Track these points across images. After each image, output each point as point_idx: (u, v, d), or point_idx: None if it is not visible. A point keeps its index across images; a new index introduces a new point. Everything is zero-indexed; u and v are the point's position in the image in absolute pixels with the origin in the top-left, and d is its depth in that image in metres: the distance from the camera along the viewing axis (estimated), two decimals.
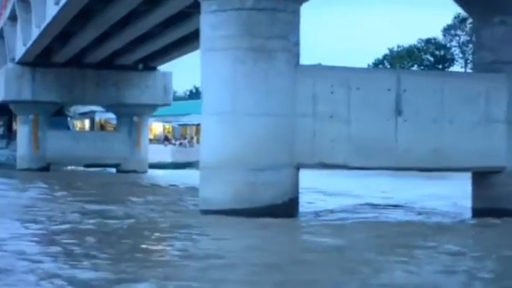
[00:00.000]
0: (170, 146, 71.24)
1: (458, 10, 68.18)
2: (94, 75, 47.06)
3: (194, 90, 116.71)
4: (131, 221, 17.59)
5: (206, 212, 18.36)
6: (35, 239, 14.35)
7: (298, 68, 18.84)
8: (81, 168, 50.89)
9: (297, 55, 18.96)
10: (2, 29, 50.05)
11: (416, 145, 19.27)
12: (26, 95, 46.49)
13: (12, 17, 46.38)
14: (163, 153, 65.17)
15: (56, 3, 32.02)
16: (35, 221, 17.09)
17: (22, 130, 47.82)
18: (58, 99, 47.96)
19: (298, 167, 18.78)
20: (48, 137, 47.93)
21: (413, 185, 32.22)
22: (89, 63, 46.61)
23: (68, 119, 74.24)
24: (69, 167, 52.38)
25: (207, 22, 18.37)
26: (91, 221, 17.36)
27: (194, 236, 15.38)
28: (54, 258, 11.81)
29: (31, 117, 47.43)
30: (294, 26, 18.83)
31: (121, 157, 48.46)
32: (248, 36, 17.71)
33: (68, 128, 74.64)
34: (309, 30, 38.74)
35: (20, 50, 44.67)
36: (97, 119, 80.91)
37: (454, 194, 25.36)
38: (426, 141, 19.33)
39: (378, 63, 74.03)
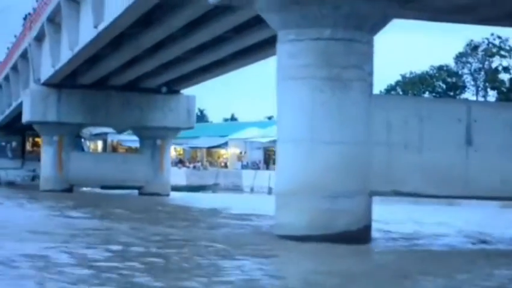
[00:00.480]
0: (184, 169, 71.37)
1: (470, 37, 68.89)
2: (118, 98, 47.23)
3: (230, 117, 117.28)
4: (220, 246, 17.58)
5: (281, 237, 18.51)
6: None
7: (372, 98, 19.10)
8: (102, 190, 50.64)
9: (371, 85, 19.24)
10: (25, 49, 50.01)
11: (486, 174, 19.50)
12: (52, 116, 46.63)
13: (39, 38, 46.45)
14: (178, 175, 65.27)
15: (95, 27, 32.11)
16: (132, 244, 17.17)
17: (47, 151, 47.96)
18: (83, 121, 48.17)
19: (371, 195, 18.97)
20: (71, 159, 47.87)
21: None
22: (113, 85, 46.74)
23: (82, 140, 74.47)
24: (89, 189, 52.05)
25: (284, 51, 18.58)
26: (178, 244, 17.51)
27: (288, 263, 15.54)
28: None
29: (56, 138, 47.55)
30: (368, 56, 19.11)
31: (143, 180, 48.57)
32: (325, 66, 17.96)
33: (83, 149, 74.90)
34: None
35: (47, 71, 44.79)
36: (109, 140, 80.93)
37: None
38: (496, 170, 19.54)
39: (390, 89, 74.39)
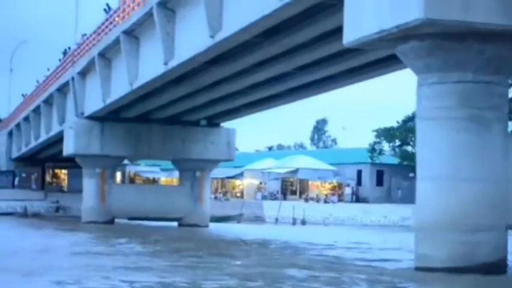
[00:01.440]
0: None
1: None
2: (160, 130, 48.15)
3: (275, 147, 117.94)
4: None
5: (421, 269, 19.42)
6: None
7: (509, 136, 20.15)
8: (142, 222, 51.27)
9: (508, 124, 20.27)
10: (64, 83, 50.83)
11: None
12: (95, 149, 47.42)
13: (83, 72, 47.35)
14: None
15: (165, 63, 33.02)
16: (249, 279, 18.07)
17: (88, 183, 48.65)
18: (125, 153, 49.05)
19: (508, 228, 19.95)
20: (113, 190, 48.64)
21: None
22: (156, 118, 47.61)
23: None
24: (126, 220, 52.61)
25: (424, 93, 19.48)
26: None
27: None
28: None
29: (98, 170, 48.24)
30: (505, 97, 20.19)
31: (183, 211, 49.38)
32: (466, 107, 18.94)
33: None
34: None
35: (93, 105, 45.60)
36: (127, 171, 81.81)
37: None
38: None
39: (408, 120, 75.71)
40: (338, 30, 25.50)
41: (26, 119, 68.67)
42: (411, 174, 74.86)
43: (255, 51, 29.91)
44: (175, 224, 50.63)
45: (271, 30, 27.06)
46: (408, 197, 72.99)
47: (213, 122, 49.15)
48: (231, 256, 25.96)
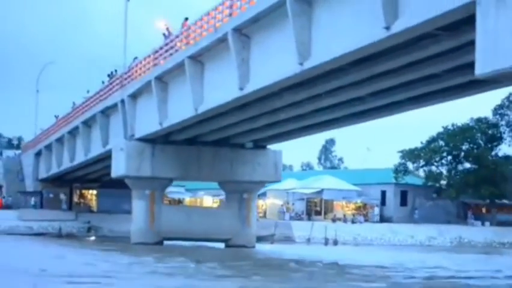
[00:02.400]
0: None
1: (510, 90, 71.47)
2: (209, 153, 49.13)
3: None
4: None
5: None
6: None
7: None
8: (190, 243, 52.03)
9: None
10: (113, 105, 51.55)
11: None
12: (146, 171, 48.27)
13: (134, 95, 48.21)
14: None
15: (241, 89, 33.89)
16: None
17: (138, 205, 49.41)
18: (174, 175, 49.87)
19: None
20: (162, 212, 49.42)
21: None
22: (205, 141, 48.48)
23: None
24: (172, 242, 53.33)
25: None
26: None
27: None
28: None
29: (147, 192, 49.01)
30: None
31: (231, 232, 50.20)
32: None
33: None
34: None
35: (146, 127, 46.38)
36: None
37: None
38: None
39: (432, 141, 76.78)
40: (428, 59, 26.74)
41: (59, 140, 69.25)
42: (434, 195, 76.13)
43: (338, 77, 30.85)
44: (221, 245, 51.37)
45: (361, 58, 28.02)
46: (431, 217, 74.31)
47: (260, 144, 49.93)
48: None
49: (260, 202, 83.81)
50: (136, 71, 47.66)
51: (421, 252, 57.54)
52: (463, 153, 75.48)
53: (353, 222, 73.25)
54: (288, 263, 38.33)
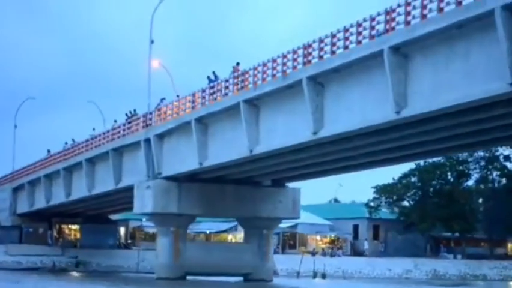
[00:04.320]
0: None
1: None
2: (232, 191, 51.08)
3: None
4: None
5: None
6: None
7: None
8: (210, 277, 53.70)
9: None
10: (134, 143, 52.98)
11: None
12: (173, 208, 50.06)
13: (161, 135, 49.96)
14: None
15: (315, 133, 36.08)
16: None
17: (163, 241, 51.08)
18: (199, 212, 51.83)
19: None
20: (186, 248, 51.13)
21: None
22: (229, 179, 50.55)
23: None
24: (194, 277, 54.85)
25: None
26: None
27: None
28: None
29: (172, 229, 50.68)
30: None
31: (251, 267, 52.21)
32: None
33: (118, 234, 77.65)
34: None
35: (181, 167, 48.08)
36: (130, 226, 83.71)
37: None
38: None
39: (405, 177, 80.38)
40: None
41: (48, 175, 69.93)
42: (405, 229, 79.60)
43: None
44: (239, 279, 53.28)
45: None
46: (402, 250, 77.67)
47: (279, 182, 52.29)
48: None
49: (229, 236, 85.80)
50: (166, 112, 49.31)
51: (407, 285, 60.38)
52: (432, 189, 78.95)
53: (332, 255, 75.78)
54: None
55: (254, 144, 40.70)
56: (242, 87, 41.25)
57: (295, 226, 79.86)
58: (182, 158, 47.97)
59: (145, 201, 50.57)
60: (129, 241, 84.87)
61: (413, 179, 79.67)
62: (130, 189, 54.21)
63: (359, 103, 33.78)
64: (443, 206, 77.27)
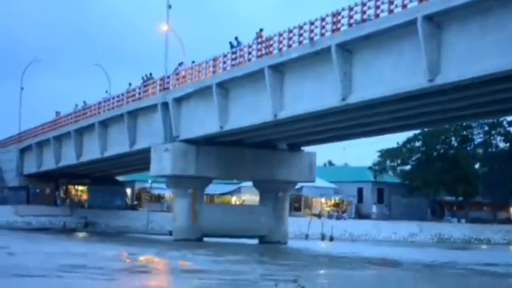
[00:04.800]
0: None
1: None
2: (249, 154, 51.79)
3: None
4: None
5: None
6: None
7: None
8: (225, 239, 54.43)
9: None
10: (149, 106, 53.46)
11: None
12: (191, 170, 50.68)
13: (179, 99, 50.47)
14: None
15: (343, 99, 36.64)
16: None
17: (180, 203, 51.74)
18: (216, 175, 52.54)
19: None
20: (203, 210, 51.89)
21: None
22: (246, 143, 51.18)
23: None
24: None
25: None
26: None
27: None
28: None
29: (190, 191, 51.35)
30: None
31: (266, 229, 53.11)
32: None
33: (126, 195, 78.36)
34: None
35: (200, 130, 48.62)
36: (135, 187, 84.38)
37: None
38: None
39: (409, 141, 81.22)
40: None
41: (58, 137, 70.33)
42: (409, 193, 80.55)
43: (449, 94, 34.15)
44: (255, 241, 54.09)
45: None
46: (406, 214, 78.65)
47: (295, 146, 52.99)
48: None
49: (234, 198, 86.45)
50: (185, 76, 49.78)
51: (414, 248, 61.33)
52: (436, 154, 79.79)
53: (337, 218, 76.70)
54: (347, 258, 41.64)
55: (278, 109, 41.24)
56: (267, 53, 41.52)
57: (300, 189, 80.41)
58: (201, 121, 48.51)
59: (163, 164, 51.12)
60: (135, 202, 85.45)
61: (417, 144, 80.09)
62: (143, 151, 54.86)
63: (389, 70, 34.34)
64: (447, 170, 78.10)
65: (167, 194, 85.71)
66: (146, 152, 54.41)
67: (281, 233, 53.45)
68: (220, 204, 66.08)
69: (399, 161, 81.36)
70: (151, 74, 55.24)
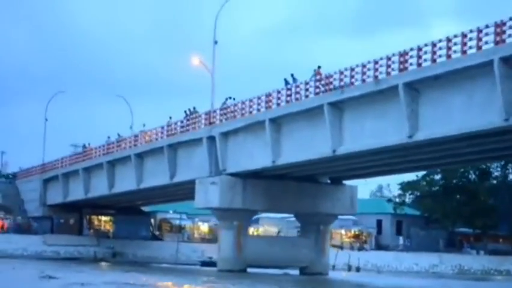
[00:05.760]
0: None
1: None
2: (294, 187, 52.94)
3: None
4: None
5: None
6: None
7: None
8: (267, 270, 55.44)
9: None
10: (192, 140, 54.59)
11: None
12: (238, 203, 51.78)
13: (226, 133, 51.64)
14: None
15: (410, 137, 37.91)
16: None
17: (226, 235, 52.80)
18: (261, 208, 53.74)
19: None
20: (248, 242, 52.94)
21: None
22: (291, 176, 52.39)
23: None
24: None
25: None
26: None
27: None
28: None
29: (235, 223, 52.45)
30: None
31: (308, 260, 54.22)
32: None
33: (151, 226, 79.24)
34: None
35: (248, 164, 49.76)
36: (157, 218, 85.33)
37: None
38: None
39: (428, 174, 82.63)
40: None
41: (87, 168, 71.31)
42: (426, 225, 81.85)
43: None
44: (296, 271, 55.18)
45: None
46: (424, 246, 79.89)
47: (337, 180, 54.26)
48: None
49: (251, 229, 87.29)
50: (234, 110, 50.97)
51: (444, 279, 62.40)
52: (454, 187, 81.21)
53: (359, 249, 77.82)
54: None
55: (337, 145, 42.36)
56: (326, 90, 42.79)
57: None
58: (250, 155, 49.67)
59: (209, 196, 52.14)
60: (157, 232, 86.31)
61: (437, 177, 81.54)
62: (182, 183, 55.88)
63: (459, 109, 35.58)
64: (465, 203, 79.36)
65: (188, 224, 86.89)
66: (186, 183, 55.46)
67: (323, 264, 54.52)
68: (263, 237, 67.19)
69: (418, 194, 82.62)
70: (194, 108, 56.31)
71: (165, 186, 60.08)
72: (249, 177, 51.83)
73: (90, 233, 79.37)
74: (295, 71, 50.06)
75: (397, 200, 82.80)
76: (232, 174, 51.88)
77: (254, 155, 49.31)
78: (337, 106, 42.51)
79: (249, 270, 53.39)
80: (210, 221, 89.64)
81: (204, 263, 67.37)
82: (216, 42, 54.43)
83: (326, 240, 55.25)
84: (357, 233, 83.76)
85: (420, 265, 74.52)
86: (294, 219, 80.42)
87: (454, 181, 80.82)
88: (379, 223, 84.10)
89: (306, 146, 45.14)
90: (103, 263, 66.34)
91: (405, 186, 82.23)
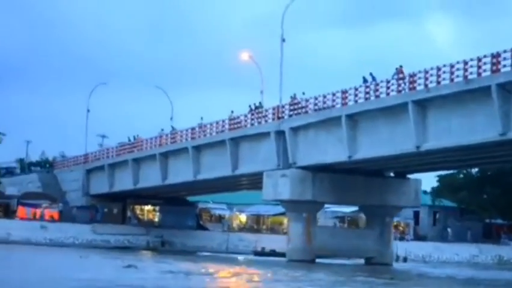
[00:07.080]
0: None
1: None
2: (362, 181, 54.51)
3: None
4: None
5: None
6: None
7: None
8: (338, 261, 56.89)
9: None
10: (260, 133, 55.96)
11: None
12: (308, 195, 53.28)
13: (296, 128, 53.06)
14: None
15: (503, 134, 39.47)
16: None
17: (295, 226, 54.38)
18: (330, 200, 55.25)
19: None
20: (316, 232, 54.53)
21: None
22: (357, 171, 53.90)
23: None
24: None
25: None
26: None
27: None
28: None
29: (305, 215, 53.98)
30: None
31: (373, 251, 55.80)
32: None
33: (197, 216, 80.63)
34: None
35: (320, 158, 51.21)
36: (199, 208, 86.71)
37: None
38: None
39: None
40: None
41: (137, 159, 72.56)
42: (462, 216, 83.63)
43: None
44: (361, 261, 56.74)
45: None
46: (460, 236, 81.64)
47: (402, 174, 55.87)
48: None
49: (285, 219, 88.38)
50: (306, 105, 52.33)
51: (492, 270, 63.61)
52: (490, 179, 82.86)
53: (400, 239, 79.34)
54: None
55: (422, 141, 43.83)
56: (411, 89, 44.21)
57: (358, 211, 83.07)
58: (322, 150, 51.12)
59: (279, 189, 53.59)
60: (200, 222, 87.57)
61: (473, 170, 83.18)
62: (243, 176, 58.47)
63: None
64: (501, 195, 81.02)
65: (227, 214, 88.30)
66: (249, 176, 57.07)
67: (388, 255, 56.15)
68: (330, 227, 68.72)
69: (454, 185, 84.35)
70: (260, 103, 57.58)
71: (225, 178, 61.20)
72: (318, 170, 53.15)
73: (135, 222, 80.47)
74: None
75: (434, 191, 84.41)
76: (302, 168, 53.16)
77: (327, 149, 50.74)
78: (421, 104, 43.79)
79: (317, 260, 54.66)
80: (246, 211, 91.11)
81: (257, 253, 68.66)
82: (283, 40, 55.58)
83: (390, 232, 56.94)
84: (394, 223, 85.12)
85: (461, 255, 76.06)
86: (330, 210, 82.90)
87: (489, 173, 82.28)
88: (416, 214, 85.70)
89: (385, 141, 46.52)
90: (155, 252, 67.31)
91: (442, 179, 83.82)
